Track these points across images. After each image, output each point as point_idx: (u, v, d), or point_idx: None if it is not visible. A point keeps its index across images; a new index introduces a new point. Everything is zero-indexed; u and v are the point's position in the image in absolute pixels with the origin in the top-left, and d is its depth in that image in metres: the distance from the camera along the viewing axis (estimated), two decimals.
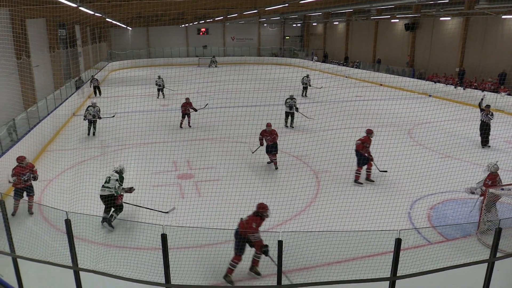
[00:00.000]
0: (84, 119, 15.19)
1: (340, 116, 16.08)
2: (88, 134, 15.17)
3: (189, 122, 16.35)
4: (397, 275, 4.70)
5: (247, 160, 11.64)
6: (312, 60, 39.25)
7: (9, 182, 8.53)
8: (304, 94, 23.74)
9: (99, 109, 15.33)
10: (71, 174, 11.18)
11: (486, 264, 4.92)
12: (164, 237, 4.60)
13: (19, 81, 15.83)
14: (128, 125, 14.76)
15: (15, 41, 14.70)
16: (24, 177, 8.51)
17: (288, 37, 47.89)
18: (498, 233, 4.80)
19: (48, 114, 14.80)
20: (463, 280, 6.35)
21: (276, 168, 11.35)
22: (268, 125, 11.61)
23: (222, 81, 26.74)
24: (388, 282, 4.75)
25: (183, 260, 7.01)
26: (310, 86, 23.64)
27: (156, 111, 19.44)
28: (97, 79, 24.10)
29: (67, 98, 18.19)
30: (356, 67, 32.85)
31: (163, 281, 4.77)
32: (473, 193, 8.24)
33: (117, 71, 37.63)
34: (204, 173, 11.19)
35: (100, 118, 15.33)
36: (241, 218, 6.57)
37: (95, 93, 23.75)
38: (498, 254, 4.93)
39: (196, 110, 16.26)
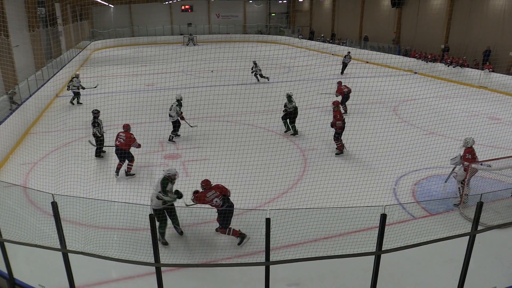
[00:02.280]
0: (67, 89, 16.28)
1: (325, 94, 16.09)
2: (72, 103, 16.38)
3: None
4: (382, 249, 4.81)
5: (233, 139, 11.63)
6: (298, 38, 38.92)
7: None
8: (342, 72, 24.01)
9: (80, 81, 16.41)
10: (56, 156, 11.05)
11: (468, 237, 5.07)
12: (152, 218, 4.61)
13: None
14: (113, 106, 14.55)
15: None
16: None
17: (274, 14, 47.28)
18: (479, 207, 4.92)
19: (30, 96, 14.48)
20: (446, 253, 6.56)
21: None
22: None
23: (207, 59, 26.40)
24: (374, 256, 4.87)
25: (172, 240, 7.06)
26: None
27: (141, 91, 19.18)
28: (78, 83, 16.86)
29: (49, 79, 17.77)
30: (342, 45, 32.70)
31: (152, 260, 4.80)
32: (454, 162, 8.45)
33: (100, 50, 36.82)
34: (191, 152, 11.17)
35: (83, 88, 16.44)
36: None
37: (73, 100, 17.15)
38: (479, 227, 5.08)
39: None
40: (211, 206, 6.86)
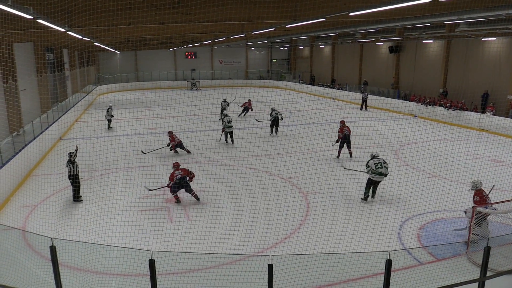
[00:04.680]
0: (105, 118, 21.20)
1: (327, 138, 16.21)
2: (108, 128, 21.08)
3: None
4: None
5: (236, 183, 11.59)
6: (299, 83, 39.78)
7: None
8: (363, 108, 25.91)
9: (112, 110, 21.34)
10: (56, 199, 10.98)
11: (477, 284, 4.91)
12: (152, 263, 4.51)
13: (5, 105, 15.68)
14: (116, 149, 14.66)
15: (1, 65, 14.64)
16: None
17: (275, 60, 48.60)
18: (487, 251, 4.81)
19: (34, 138, 14.62)
20: None
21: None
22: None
23: (210, 104, 26.85)
24: None
25: (172, 286, 6.86)
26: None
27: (144, 134, 19.36)
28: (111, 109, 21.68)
29: (54, 122, 18.03)
30: (342, 90, 33.35)
31: None
32: (465, 212, 8.35)
33: (105, 94, 37.59)
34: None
35: (112, 116, 21.26)
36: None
37: (108, 126, 21.37)
38: (488, 273, 4.93)
39: (171, 149, 15.88)
40: (171, 181, 10.25)
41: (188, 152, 15.64)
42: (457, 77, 24.67)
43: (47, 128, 16.75)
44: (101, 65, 43.36)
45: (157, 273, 4.65)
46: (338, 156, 14.85)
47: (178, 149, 15.73)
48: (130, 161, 14.18)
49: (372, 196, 10.70)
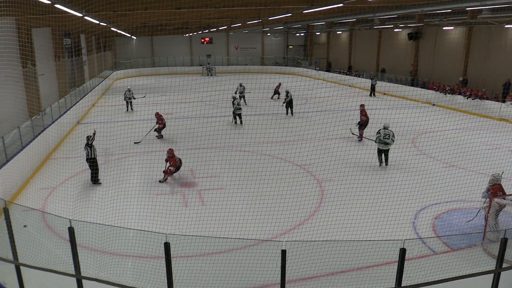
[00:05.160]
0: (124, 100, 21.80)
1: (343, 125, 16.07)
2: (127, 110, 21.79)
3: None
4: (402, 285, 4.65)
5: (250, 168, 11.63)
6: (315, 70, 39.37)
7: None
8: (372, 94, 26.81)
9: (133, 92, 21.97)
10: (74, 182, 11.20)
11: (492, 275, 4.86)
12: (167, 246, 4.58)
13: (24, 89, 15.94)
14: (132, 134, 14.82)
15: (21, 49, 14.84)
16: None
17: (291, 46, 48.12)
18: (504, 243, 4.75)
19: (53, 122, 14.87)
20: None
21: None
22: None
23: (225, 90, 26.84)
24: None
25: (186, 269, 6.97)
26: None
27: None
28: (131, 94, 22.13)
29: (72, 106, 18.29)
30: (360, 77, 32.90)
31: None
32: (485, 197, 8.23)
33: (121, 79, 37.88)
34: (208, 181, 11.19)
35: (134, 98, 21.92)
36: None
37: (127, 108, 22.17)
38: (504, 265, 4.87)
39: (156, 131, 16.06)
40: (174, 167, 11.15)
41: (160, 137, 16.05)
42: (478, 65, 24.06)
43: (65, 112, 17.01)
44: (117, 50, 43.61)
45: (172, 255, 4.72)
46: (361, 139, 15.36)
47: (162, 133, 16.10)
48: (146, 145, 14.34)
49: (386, 164, 12.38)
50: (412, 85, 27.56)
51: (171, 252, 4.73)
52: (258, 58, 46.71)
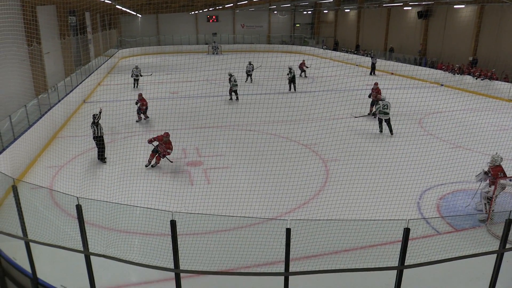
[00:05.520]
0: (131, 76, 22.18)
1: (350, 105, 15.97)
2: (133, 87, 21.92)
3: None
4: (405, 264, 4.70)
5: (256, 147, 11.65)
6: (322, 48, 38.88)
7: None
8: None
9: (141, 70, 22.33)
10: (81, 160, 11.31)
11: (495, 255, 4.89)
12: (173, 224, 4.64)
13: (30, 68, 15.94)
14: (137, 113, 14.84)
15: (26, 28, 14.77)
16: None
17: (298, 25, 47.41)
18: (508, 224, 4.75)
19: (59, 101, 14.92)
20: (471, 270, 6.34)
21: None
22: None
23: (231, 68, 26.67)
24: (396, 271, 4.75)
25: (192, 246, 7.08)
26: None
27: (166, 98, 19.48)
28: (138, 71, 22.46)
29: (78, 85, 18.29)
30: (367, 56, 32.47)
31: (172, 266, 4.83)
32: (480, 180, 8.21)
33: (127, 58, 37.70)
34: (213, 160, 11.24)
35: (141, 75, 22.28)
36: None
37: (134, 85, 22.41)
38: (508, 246, 4.89)
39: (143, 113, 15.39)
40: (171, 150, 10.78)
41: (142, 119, 15.43)
42: (488, 45, 23.60)
43: (71, 91, 17.03)
44: (123, 28, 43.26)
45: (178, 233, 4.79)
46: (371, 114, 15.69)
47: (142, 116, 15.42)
48: (152, 124, 14.38)
49: (391, 133, 13.71)
50: (420, 65, 27.19)
51: (177, 230, 4.80)
52: (265, 37, 46.14)
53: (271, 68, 25.85)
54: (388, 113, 13.59)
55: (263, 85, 23.09)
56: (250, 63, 24.19)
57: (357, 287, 6.19)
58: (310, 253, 6.37)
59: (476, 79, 21.60)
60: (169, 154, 10.98)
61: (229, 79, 19.01)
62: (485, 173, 8.22)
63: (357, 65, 31.58)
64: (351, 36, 38.97)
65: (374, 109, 14.08)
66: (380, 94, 15.41)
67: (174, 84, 23.12)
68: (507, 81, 20.27)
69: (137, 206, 7.28)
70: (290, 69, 21.08)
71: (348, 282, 6.22)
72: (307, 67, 25.74)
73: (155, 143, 10.82)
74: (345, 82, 23.47)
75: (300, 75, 25.51)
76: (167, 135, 10.89)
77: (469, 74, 22.47)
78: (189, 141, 12.43)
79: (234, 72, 20.12)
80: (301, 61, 26.36)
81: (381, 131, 13.95)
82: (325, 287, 6.20)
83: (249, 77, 24.10)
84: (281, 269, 4.79)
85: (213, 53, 40.26)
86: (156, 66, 29.95)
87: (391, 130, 13.66)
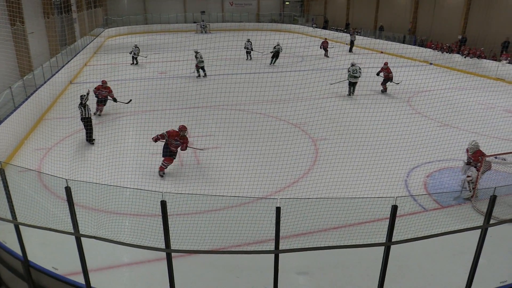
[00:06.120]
0: (129, 53, 22.67)
1: (339, 84, 15.96)
2: (132, 63, 22.70)
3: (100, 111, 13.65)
4: (392, 240, 4.80)
5: (245, 127, 11.64)
6: (312, 27, 38.51)
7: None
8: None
9: (139, 49, 22.82)
10: (70, 142, 11.21)
11: (479, 231, 5.02)
12: (163, 204, 4.66)
13: (14, 49, 15.56)
14: (126, 93, 14.66)
15: (8, 7, 14.35)
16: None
17: (288, 3, 46.77)
18: (492, 200, 4.86)
19: (45, 82, 14.64)
20: (457, 246, 6.51)
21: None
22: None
23: (220, 47, 26.33)
24: (383, 247, 4.86)
25: (183, 226, 7.14)
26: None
27: (154, 78, 19.26)
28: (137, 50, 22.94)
29: (63, 66, 17.94)
30: (357, 34, 32.26)
31: (163, 246, 4.87)
32: (465, 173, 8.35)
33: (113, 37, 36.95)
34: (203, 140, 11.21)
35: (138, 56, 22.70)
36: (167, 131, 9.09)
37: (133, 61, 23.11)
38: (492, 221, 5.02)
39: (115, 101, 13.59)
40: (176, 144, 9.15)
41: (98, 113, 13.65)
42: (478, 24, 23.61)
43: (57, 71, 16.71)
44: (109, 7, 42.24)
45: (168, 213, 4.81)
46: (385, 91, 16.65)
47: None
48: (141, 105, 14.23)
49: (352, 93, 15.90)
50: (409, 43, 27.16)
51: (168, 210, 4.82)
52: (254, 15, 45.50)
53: (260, 47, 25.57)
54: (357, 77, 15.44)
55: (252, 64, 22.90)
56: (248, 40, 24.39)
57: (346, 264, 6.33)
58: (299, 231, 6.47)
59: (465, 57, 21.69)
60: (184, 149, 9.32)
61: (195, 55, 19.40)
62: (467, 163, 8.36)
63: (346, 44, 31.34)
64: (341, 15, 38.63)
65: (347, 74, 15.86)
66: (390, 73, 16.15)
67: (162, 64, 22.80)
68: (495, 60, 20.39)
69: (127, 188, 7.28)
70: (277, 45, 22.08)
71: (337, 259, 6.35)
72: (329, 48, 25.90)
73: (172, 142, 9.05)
74: (335, 60, 23.37)
75: (325, 55, 25.64)
76: (184, 128, 9.08)
77: (457, 52, 22.54)
78: (178, 122, 12.33)
79: (225, 51, 19.95)
80: (324, 40, 26.40)
81: (349, 94, 15.84)
82: (314, 264, 6.33)
83: (248, 55, 24.31)
84: (271, 247, 4.86)
85: (202, 32, 39.68)
86: (143, 45, 29.43)
87: (353, 92, 15.90)
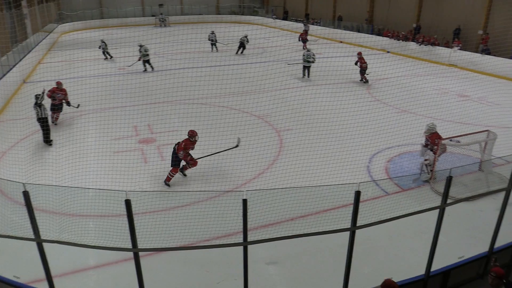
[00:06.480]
0: (99, 48, 22.33)
1: (301, 75, 16.15)
2: (106, 59, 22.45)
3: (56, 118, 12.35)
4: (357, 225, 4.94)
5: (209, 121, 11.57)
6: (272, 18, 38.58)
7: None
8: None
9: (106, 43, 22.52)
10: (26, 145, 10.74)
11: (438, 210, 5.26)
12: (128, 203, 4.57)
13: None
14: (85, 91, 14.18)
15: None
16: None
17: None
18: (449, 181, 5.09)
19: None
20: (417, 226, 6.79)
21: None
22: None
23: (180, 41, 25.93)
24: (349, 232, 4.99)
25: (149, 224, 7.04)
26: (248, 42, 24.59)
27: (113, 74, 18.73)
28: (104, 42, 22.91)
29: (15, 64, 17.11)
30: (316, 24, 32.66)
31: (130, 246, 4.78)
32: (423, 155, 8.70)
33: (68, 33, 35.56)
34: (166, 136, 11.06)
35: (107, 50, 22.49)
36: (178, 142, 8.51)
37: (106, 57, 22.95)
38: (449, 201, 5.26)
39: (69, 105, 12.39)
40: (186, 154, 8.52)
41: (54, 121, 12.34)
42: (431, 12, 24.45)
43: (9, 71, 15.91)
44: (62, 1, 40.50)
45: (134, 212, 4.73)
46: (366, 81, 17.01)
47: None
48: (100, 102, 13.82)
49: (308, 76, 17.55)
50: (367, 33, 27.78)
51: (133, 209, 4.74)
52: (214, 7, 45.00)
53: (221, 40, 25.38)
54: (310, 62, 17.25)
55: (213, 56, 22.73)
56: (212, 32, 24.61)
57: (314, 251, 6.47)
58: (267, 222, 6.54)
59: (420, 45, 22.45)
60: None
61: (139, 49, 19.30)
62: (425, 145, 8.72)
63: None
64: (300, 5, 38.89)
65: (302, 59, 17.62)
66: (364, 62, 16.74)
67: (121, 60, 22.19)
68: (448, 47, 21.23)
69: (88, 188, 7.09)
70: (245, 36, 23.24)
71: (305, 247, 6.48)
72: (306, 40, 25.67)
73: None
74: (296, 51, 23.56)
75: (303, 48, 25.02)
76: (194, 134, 8.63)
77: (413, 40, 23.29)
78: (140, 118, 12.13)
79: (186, 44, 19.66)
80: (302, 32, 26.47)
81: (303, 76, 17.56)
82: (283, 253, 6.42)
83: (213, 46, 24.55)
84: (240, 239, 4.89)
85: (161, 26, 38.88)
86: (100, 40, 28.53)
87: (308, 75, 17.52)
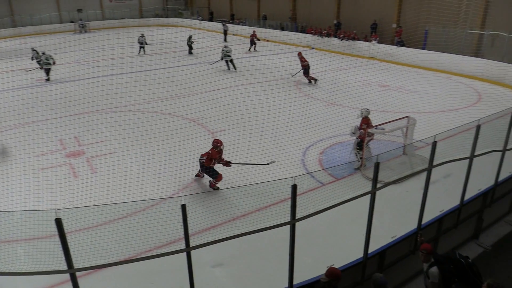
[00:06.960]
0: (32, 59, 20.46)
1: (229, 75, 16.23)
2: (40, 68, 19.30)
3: None
4: (296, 218, 5.08)
5: (140, 128, 11.24)
6: (197, 20, 38.31)
7: None
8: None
9: (37, 51, 20.27)
10: None
11: (369, 195, 5.57)
12: (58, 222, 4.30)
13: None
14: (1, 105, 13.11)
15: None
16: None
17: None
18: (377, 166, 5.42)
19: None
20: (353, 212, 7.13)
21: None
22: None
23: (103, 47, 24.87)
24: (289, 226, 5.12)
25: (86, 242, 6.69)
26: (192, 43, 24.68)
27: (33, 86, 17.49)
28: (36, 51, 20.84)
29: None
30: (242, 24, 32.98)
31: (65, 267, 4.52)
32: (353, 133, 9.16)
33: None
34: (96, 147, 10.56)
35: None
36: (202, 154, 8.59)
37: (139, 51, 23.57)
38: (378, 185, 5.60)
39: None
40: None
41: None
42: (349, 8, 25.75)
43: None
44: None
45: (66, 231, 4.47)
46: (315, 82, 16.81)
47: None
48: (20, 117, 12.86)
49: (235, 69, 18.92)
50: (291, 30, 28.59)
51: (65, 228, 4.47)
52: (136, 11, 43.66)
53: (145, 44, 24.73)
54: (230, 56, 18.85)
55: (137, 61, 22.08)
56: (142, 35, 24.31)
57: (257, 248, 6.55)
58: (209, 224, 6.52)
59: (341, 40, 23.56)
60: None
61: (39, 56, 18.96)
62: (358, 127, 9.20)
63: (233, 35, 31.86)
64: (225, 6, 39.01)
65: (221, 54, 19.27)
66: (304, 61, 16.74)
67: (39, 70, 20.77)
68: (367, 41, 22.51)
69: (13, 211, 6.60)
70: (190, 36, 24.29)
71: (249, 245, 6.53)
72: (258, 40, 25.30)
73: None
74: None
75: (249, 50, 24.89)
76: (220, 143, 8.57)
77: (334, 36, 24.36)
78: (66, 131, 11.46)
79: (110, 49, 18.85)
80: (252, 32, 25.75)
81: (228, 68, 19.06)
82: (228, 254, 6.43)
83: (141, 49, 24.12)
84: (182, 246, 4.82)
85: (81, 32, 36.97)
86: (14, 50, 26.52)
87: (234, 67, 18.95)
